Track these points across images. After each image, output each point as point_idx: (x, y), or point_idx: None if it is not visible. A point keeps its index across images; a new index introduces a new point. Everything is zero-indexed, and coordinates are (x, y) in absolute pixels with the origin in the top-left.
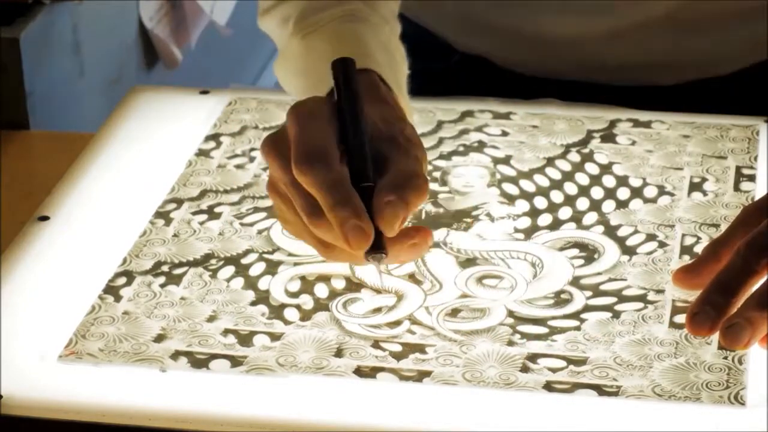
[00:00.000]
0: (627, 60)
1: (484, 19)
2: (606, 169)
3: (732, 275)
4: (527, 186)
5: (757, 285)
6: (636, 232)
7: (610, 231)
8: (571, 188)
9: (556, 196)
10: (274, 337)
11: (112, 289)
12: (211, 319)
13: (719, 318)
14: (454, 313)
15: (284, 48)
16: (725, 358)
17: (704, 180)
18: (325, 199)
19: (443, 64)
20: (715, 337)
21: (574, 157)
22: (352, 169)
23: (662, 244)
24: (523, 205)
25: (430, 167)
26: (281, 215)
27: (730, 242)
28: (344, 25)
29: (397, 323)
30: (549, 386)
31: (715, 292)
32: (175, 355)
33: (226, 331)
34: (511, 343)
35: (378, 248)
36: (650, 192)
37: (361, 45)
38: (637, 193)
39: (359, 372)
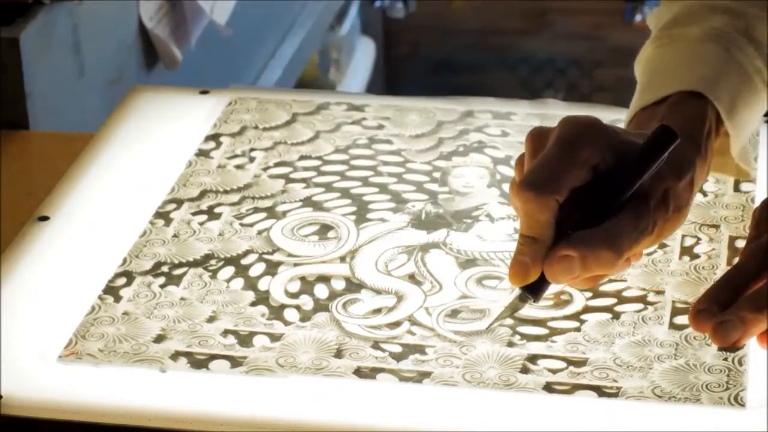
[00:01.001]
0: None
1: None
2: None
3: (743, 276)
4: None
5: None
6: None
7: None
8: None
9: None
10: (274, 337)
11: (111, 290)
12: (210, 319)
13: None
14: (454, 314)
15: (643, 48)
16: (725, 359)
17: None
18: (520, 227)
19: None
20: None
21: None
22: (581, 207)
23: (662, 245)
24: None
25: (429, 167)
26: None
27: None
28: (702, 44)
29: (396, 324)
30: (549, 387)
31: (723, 290)
32: (175, 355)
33: (226, 332)
34: (510, 344)
35: (533, 291)
36: None
37: (706, 67)
38: None
39: (359, 373)
